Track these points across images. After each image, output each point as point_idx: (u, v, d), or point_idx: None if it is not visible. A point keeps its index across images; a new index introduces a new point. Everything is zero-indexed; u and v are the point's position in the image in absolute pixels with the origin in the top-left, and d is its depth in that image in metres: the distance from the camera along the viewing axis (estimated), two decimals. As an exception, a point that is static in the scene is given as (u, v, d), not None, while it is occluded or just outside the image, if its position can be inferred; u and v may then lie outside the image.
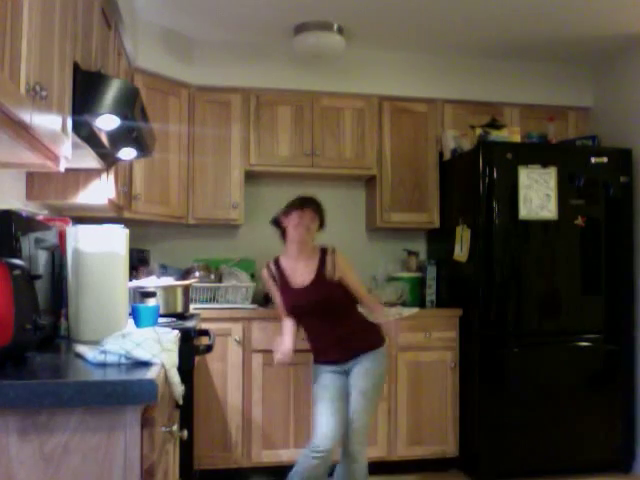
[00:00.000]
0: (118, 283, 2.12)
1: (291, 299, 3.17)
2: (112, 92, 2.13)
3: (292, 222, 3.14)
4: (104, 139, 2.39)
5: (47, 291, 2.07)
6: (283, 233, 3.23)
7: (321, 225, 3.20)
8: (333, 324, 3.11)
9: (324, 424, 2.99)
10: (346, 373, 3.12)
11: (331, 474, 3.14)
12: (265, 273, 3.27)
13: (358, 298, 3.19)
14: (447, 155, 4.33)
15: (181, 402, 1.97)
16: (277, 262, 3.24)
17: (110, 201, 3.09)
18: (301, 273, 3.16)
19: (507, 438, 3.81)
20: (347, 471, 3.11)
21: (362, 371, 3.08)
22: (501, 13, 3.76)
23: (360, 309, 3.22)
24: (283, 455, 3.78)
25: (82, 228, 2.10)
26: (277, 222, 3.24)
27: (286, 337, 3.15)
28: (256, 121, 4.20)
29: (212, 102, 4.16)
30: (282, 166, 4.24)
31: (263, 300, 4.16)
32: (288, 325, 3.19)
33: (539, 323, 3.90)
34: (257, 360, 3.80)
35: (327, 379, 3.09)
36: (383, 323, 3.21)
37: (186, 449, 2.71)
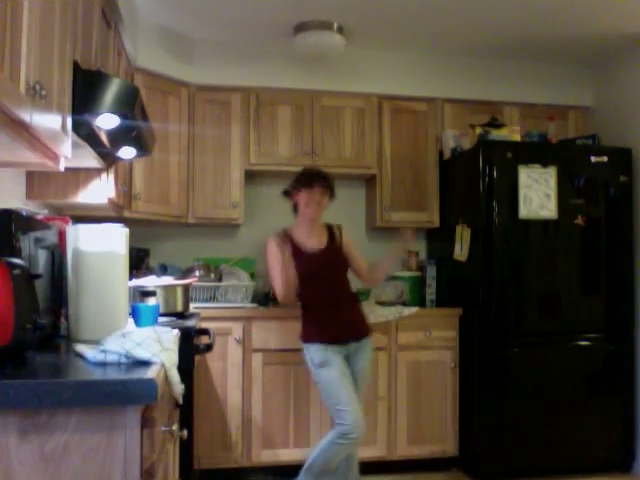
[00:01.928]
0: (118, 282, 2.12)
1: (305, 262, 3.16)
2: (112, 91, 2.13)
3: (302, 199, 3.19)
4: (104, 138, 2.39)
5: (47, 290, 2.07)
6: (294, 205, 3.28)
7: (331, 196, 3.27)
8: (340, 294, 3.19)
9: (354, 410, 2.99)
10: (346, 356, 3.15)
11: None
12: (271, 243, 3.18)
13: (364, 270, 3.31)
14: (447, 154, 4.33)
15: (181, 401, 1.97)
16: (286, 233, 3.23)
17: (110, 200, 3.09)
18: (314, 241, 3.23)
19: (507, 438, 3.81)
20: (351, 456, 3.17)
21: (366, 360, 3.20)
22: (501, 13, 3.76)
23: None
24: (283, 455, 3.78)
25: (82, 227, 2.09)
26: (288, 194, 3.29)
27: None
28: (256, 121, 4.20)
29: (212, 102, 4.16)
30: (282, 165, 4.24)
31: (263, 299, 4.16)
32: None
33: (539, 323, 3.90)
34: (257, 359, 3.80)
35: (341, 364, 3.09)
36: (399, 244, 3.41)
37: (186, 449, 2.71)
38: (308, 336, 3.19)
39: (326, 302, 3.17)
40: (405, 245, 3.51)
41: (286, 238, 3.18)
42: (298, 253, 3.19)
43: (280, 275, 3.12)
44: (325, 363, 3.10)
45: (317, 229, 3.28)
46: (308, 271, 3.16)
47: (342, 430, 2.99)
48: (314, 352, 3.14)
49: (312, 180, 3.18)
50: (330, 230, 3.30)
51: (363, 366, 3.19)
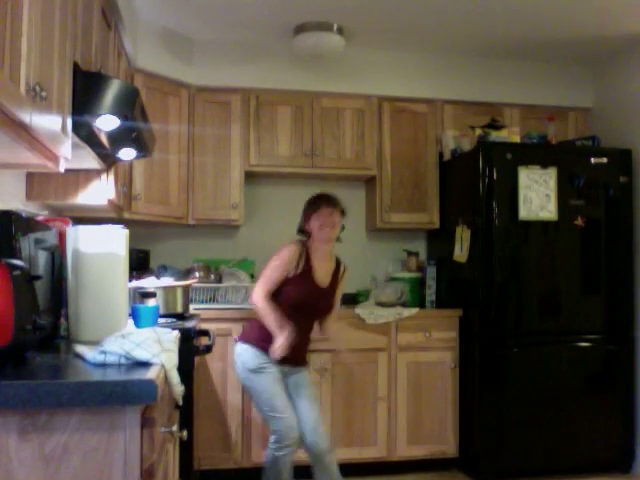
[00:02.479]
0: (118, 283, 2.12)
1: (305, 292, 3.08)
2: (112, 92, 2.13)
3: (315, 224, 3.10)
4: (104, 139, 2.39)
5: (47, 291, 2.07)
6: (308, 232, 3.17)
7: (343, 215, 3.20)
8: (307, 329, 3.17)
9: (287, 417, 2.99)
10: (282, 373, 3.11)
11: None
12: (292, 248, 3.09)
13: (334, 310, 3.26)
14: (447, 155, 4.33)
15: (181, 402, 1.97)
16: (307, 249, 3.13)
17: (110, 201, 3.09)
18: (324, 273, 3.17)
19: (507, 438, 3.81)
20: (327, 474, 3.10)
21: (307, 381, 3.19)
22: (501, 13, 3.76)
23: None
24: (283, 455, 3.77)
25: (82, 228, 2.10)
26: (302, 228, 3.19)
27: (287, 327, 3.00)
28: (256, 121, 4.20)
29: (212, 102, 4.16)
30: (282, 166, 4.24)
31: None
32: (277, 312, 3.02)
33: (539, 323, 3.90)
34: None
35: (277, 373, 3.06)
36: (332, 333, 3.30)
37: (186, 449, 2.71)
38: (253, 338, 3.09)
39: (295, 326, 3.05)
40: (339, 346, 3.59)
41: (302, 259, 3.10)
42: (306, 278, 3.09)
43: (276, 279, 3.06)
44: (260, 369, 3.04)
45: (329, 259, 3.20)
46: (304, 298, 3.09)
47: (276, 437, 2.99)
48: (250, 356, 3.07)
49: (319, 202, 3.14)
50: (337, 266, 3.23)
51: (302, 385, 3.14)
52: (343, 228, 3.22)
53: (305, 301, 3.09)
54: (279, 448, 2.98)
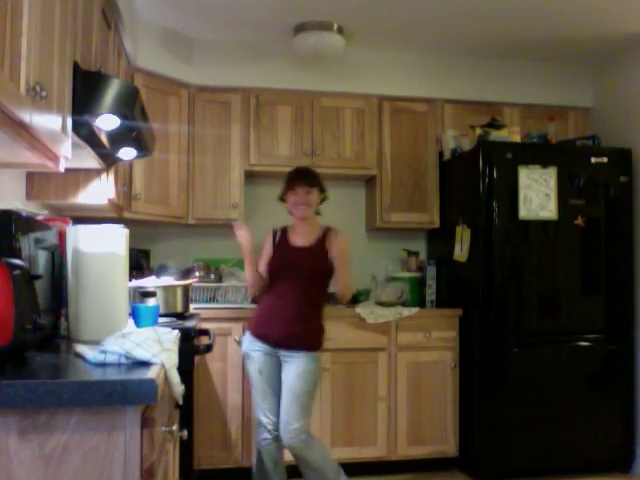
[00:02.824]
0: (118, 283, 2.12)
1: (283, 253, 3.14)
2: (112, 92, 2.13)
3: (290, 202, 3.17)
4: (104, 139, 2.39)
5: (47, 291, 2.07)
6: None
7: (321, 191, 3.20)
8: (296, 299, 3.04)
9: (262, 406, 3.09)
10: (277, 361, 3.09)
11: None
12: (268, 236, 3.25)
13: (337, 278, 3.13)
14: (447, 155, 4.33)
15: (181, 402, 1.97)
16: (284, 230, 3.24)
17: (110, 201, 3.09)
18: (302, 238, 3.18)
19: (507, 438, 3.81)
20: (308, 467, 3.08)
21: (296, 373, 3.02)
22: (501, 13, 3.76)
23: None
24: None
25: (82, 228, 2.10)
26: (282, 199, 3.26)
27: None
28: (256, 121, 4.20)
29: (212, 102, 4.16)
30: (282, 166, 4.22)
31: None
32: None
33: (539, 323, 3.90)
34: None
35: (260, 362, 3.08)
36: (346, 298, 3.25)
37: (186, 449, 2.71)
38: (249, 324, 3.23)
39: (280, 299, 3.07)
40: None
41: (278, 237, 3.20)
42: (282, 245, 3.18)
43: (262, 260, 3.21)
44: (247, 355, 3.15)
45: (311, 230, 3.18)
46: (281, 262, 3.13)
47: (258, 434, 3.14)
48: (244, 341, 3.22)
49: (293, 181, 3.15)
50: (326, 233, 3.17)
51: (290, 381, 3.04)
52: (324, 199, 3.23)
53: (284, 261, 3.12)
54: (257, 434, 3.13)
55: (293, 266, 3.10)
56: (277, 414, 3.06)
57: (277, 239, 3.21)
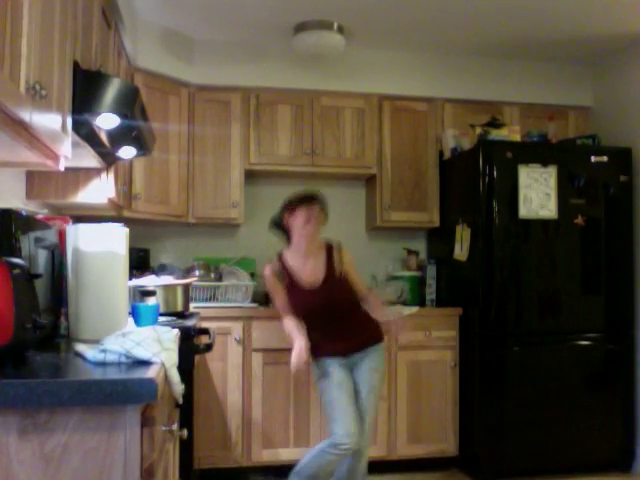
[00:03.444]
0: (118, 282, 2.12)
1: (302, 301, 3.08)
2: (112, 91, 2.13)
3: (299, 220, 3.06)
4: (104, 138, 2.39)
5: (47, 290, 2.07)
6: (286, 233, 3.16)
7: (325, 216, 3.16)
8: (341, 322, 3.07)
9: (348, 421, 2.95)
10: (350, 367, 3.09)
11: None
12: (268, 272, 3.14)
13: (359, 295, 3.16)
14: (447, 154, 4.33)
15: (181, 401, 1.97)
16: (282, 260, 3.14)
17: (110, 200, 3.09)
18: (311, 272, 3.09)
19: (507, 438, 3.81)
20: (353, 468, 3.10)
21: (371, 368, 3.09)
22: (501, 13, 3.76)
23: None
24: (283, 454, 3.78)
25: (82, 227, 2.10)
26: (278, 224, 3.17)
27: (298, 337, 3.01)
28: (256, 120, 4.20)
29: (212, 101, 4.16)
30: (282, 165, 4.24)
31: (263, 299, 4.16)
32: (292, 324, 3.08)
33: (539, 323, 3.90)
34: (257, 359, 3.80)
35: (339, 374, 3.03)
36: (384, 323, 3.20)
37: (186, 448, 2.71)
38: (311, 350, 3.07)
39: (323, 330, 3.08)
40: (393, 335, 3.44)
41: (280, 272, 3.11)
42: (294, 287, 3.09)
43: (279, 299, 3.15)
44: (324, 374, 3.07)
45: (314, 253, 3.11)
46: (306, 307, 3.07)
47: (332, 440, 2.96)
48: (314, 363, 3.13)
49: (310, 199, 3.09)
50: (329, 251, 3.13)
51: (366, 375, 3.08)
52: (325, 217, 3.18)
53: (309, 306, 3.07)
54: (332, 448, 2.95)
55: (323, 304, 3.05)
56: (357, 421, 3.01)
57: (282, 276, 3.11)
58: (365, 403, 3.07)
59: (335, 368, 3.04)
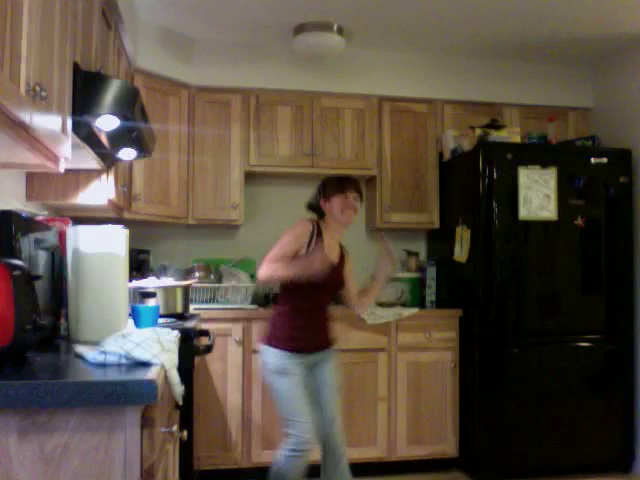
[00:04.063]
0: (118, 283, 2.12)
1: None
2: (112, 92, 2.13)
3: (337, 206, 2.99)
4: (104, 139, 2.39)
5: (47, 291, 2.07)
6: (322, 216, 3.06)
7: (361, 201, 3.13)
8: (323, 310, 3.10)
9: (307, 420, 2.90)
10: (310, 367, 3.03)
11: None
12: (306, 227, 2.96)
13: (354, 296, 3.21)
14: (447, 155, 4.33)
15: (181, 402, 1.97)
16: (319, 227, 3.02)
17: (110, 201, 3.09)
18: (333, 252, 3.06)
19: (507, 438, 3.81)
20: (337, 469, 3.06)
21: (331, 368, 3.10)
22: (501, 14, 3.76)
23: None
24: (283, 455, 3.77)
25: (82, 228, 2.10)
26: (315, 207, 3.10)
27: (309, 256, 2.87)
28: (256, 121, 4.20)
29: (212, 102, 4.16)
30: (282, 166, 4.24)
31: (263, 300, 4.16)
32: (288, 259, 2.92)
33: (539, 323, 3.90)
34: (257, 360, 3.79)
35: (301, 372, 2.98)
36: (385, 246, 3.22)
37: (186, 449, 2.71)
38: (273, 340, 2.98)
39: (312, 313, 3.06)
40: (387, 250, 3.26)
41: (314, 236, 2.98)
42: (319, 249, 2.97)
43: (282, 252, 2.92)
44: (284, 371, 2.95)
45: (339, 237, 3.12)
46: (320, 280, 2.95)
47: (292, 441, 2.89)
48: (273, 357, 2.96)
49: (345, 185, 3.04)
50: (342, 249, 3.16)
51: (327, 375, 3.07)
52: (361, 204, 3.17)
53: (321, 281, 2.95)
54: (292, 451, 2.90)
55: (329, 282, 3.01)
56: (316, 423, 2.98)
57: (313, 240, 2.98)
58: (332, 403, 3.06)
59: (295, 365, 2.96)
